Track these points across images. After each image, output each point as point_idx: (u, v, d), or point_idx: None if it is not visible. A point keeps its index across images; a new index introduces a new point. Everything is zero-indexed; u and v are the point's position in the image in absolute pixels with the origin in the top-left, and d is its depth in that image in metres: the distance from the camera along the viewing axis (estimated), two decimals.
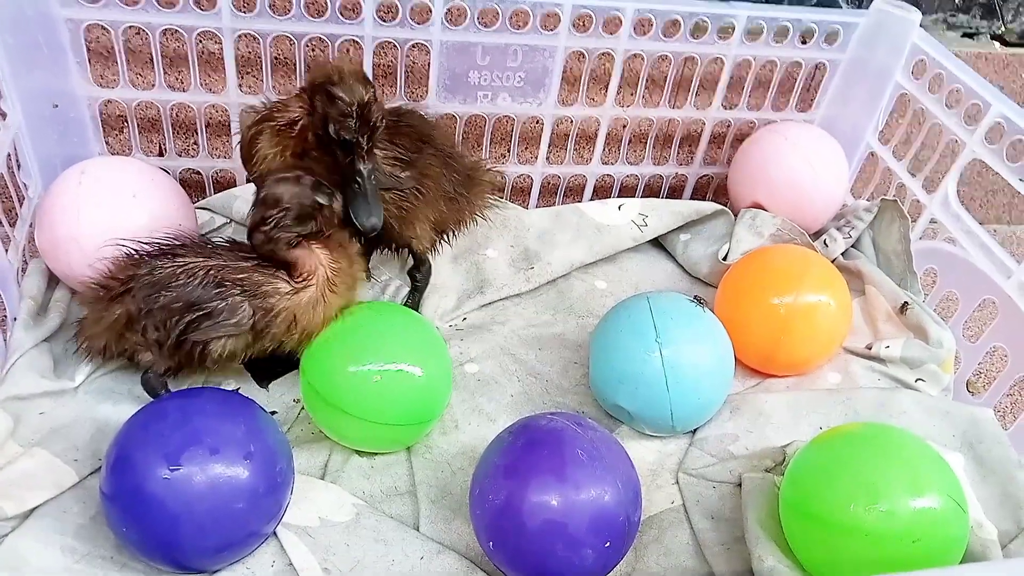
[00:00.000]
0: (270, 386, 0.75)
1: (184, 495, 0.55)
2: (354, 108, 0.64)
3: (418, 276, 0.82)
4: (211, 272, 0.64)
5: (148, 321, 0.64)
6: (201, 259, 0.65)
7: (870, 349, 0.84)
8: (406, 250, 0.79)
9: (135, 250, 0.67)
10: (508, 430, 0.63)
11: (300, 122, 0.68)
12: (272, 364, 0.74)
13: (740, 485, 0.69)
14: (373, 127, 0.66)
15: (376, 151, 0.69)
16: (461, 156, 0.78)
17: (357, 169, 0.66)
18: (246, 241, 0.67)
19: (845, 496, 0.57)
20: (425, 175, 0.73)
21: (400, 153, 0.72)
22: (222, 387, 0.72)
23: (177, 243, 0.68)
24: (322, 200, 0.65)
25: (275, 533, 0.61)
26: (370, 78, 0.69)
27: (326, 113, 0.65)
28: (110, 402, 0.69)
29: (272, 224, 0.64)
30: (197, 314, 0.64)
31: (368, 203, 0.67)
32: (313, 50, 0.86)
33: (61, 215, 0.72)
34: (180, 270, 0.64)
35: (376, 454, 0.70)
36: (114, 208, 0.72)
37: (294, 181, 0.64)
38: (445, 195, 0.75)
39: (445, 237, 0.79)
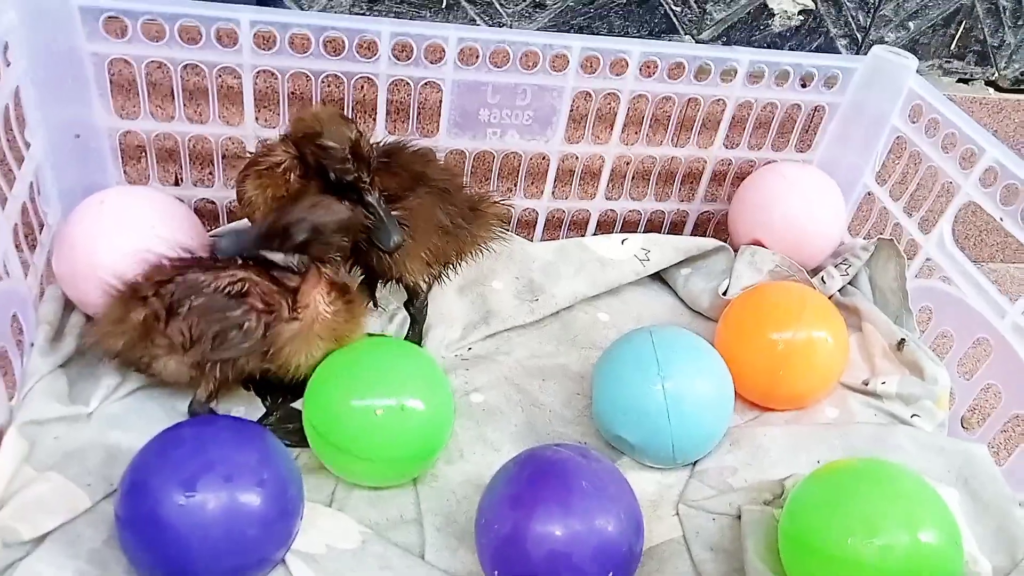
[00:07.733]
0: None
1: (198, 521, 0.56)
2: (347, 151, 0.69)
3: (412, 310, 0.84)
4: (238, 283, 0.67)
5: (175, 323, 0.66)
6: (231, 269, 0.68)
7: (867, 385, 0.85)
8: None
9: (170, 258, 0.69)
10: (514, 460, 0.64)
11: (283, 164, 0.71)
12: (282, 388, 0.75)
13: (739, 517, 0.70)
14: (368, 160, 0.70)
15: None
16: (461, 188, 0.80)
17: (367, 201, 0.70)
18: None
19: (843, 530, 0.59)
20: (414, 212, 0.75)
21: (386, 194, 0.74)
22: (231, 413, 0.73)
23: (208, 256, 0.70)
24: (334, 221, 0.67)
25: (284, 560, 0.62)
26: (347, 113, 0.72)
27: (322, 163, 0.69)
28: (123, 428, 0.70)
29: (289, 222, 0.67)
30: (222, 324, 0.66)
31: (387, 227, 0.71)
32: (328, 86, 0.89)
33: (82, 242, 0.74)
34: (212, 277, 0.67)
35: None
36: (132, 238, 0.73)
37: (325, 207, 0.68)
38: (440, 229, 0.77)
39: (446, 268, 0.80)
